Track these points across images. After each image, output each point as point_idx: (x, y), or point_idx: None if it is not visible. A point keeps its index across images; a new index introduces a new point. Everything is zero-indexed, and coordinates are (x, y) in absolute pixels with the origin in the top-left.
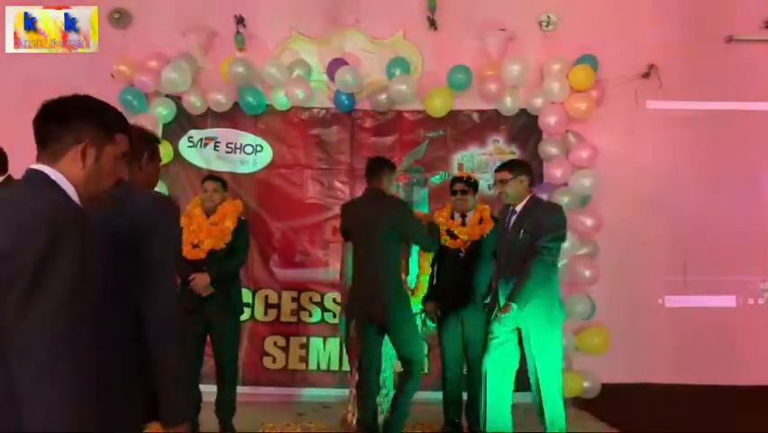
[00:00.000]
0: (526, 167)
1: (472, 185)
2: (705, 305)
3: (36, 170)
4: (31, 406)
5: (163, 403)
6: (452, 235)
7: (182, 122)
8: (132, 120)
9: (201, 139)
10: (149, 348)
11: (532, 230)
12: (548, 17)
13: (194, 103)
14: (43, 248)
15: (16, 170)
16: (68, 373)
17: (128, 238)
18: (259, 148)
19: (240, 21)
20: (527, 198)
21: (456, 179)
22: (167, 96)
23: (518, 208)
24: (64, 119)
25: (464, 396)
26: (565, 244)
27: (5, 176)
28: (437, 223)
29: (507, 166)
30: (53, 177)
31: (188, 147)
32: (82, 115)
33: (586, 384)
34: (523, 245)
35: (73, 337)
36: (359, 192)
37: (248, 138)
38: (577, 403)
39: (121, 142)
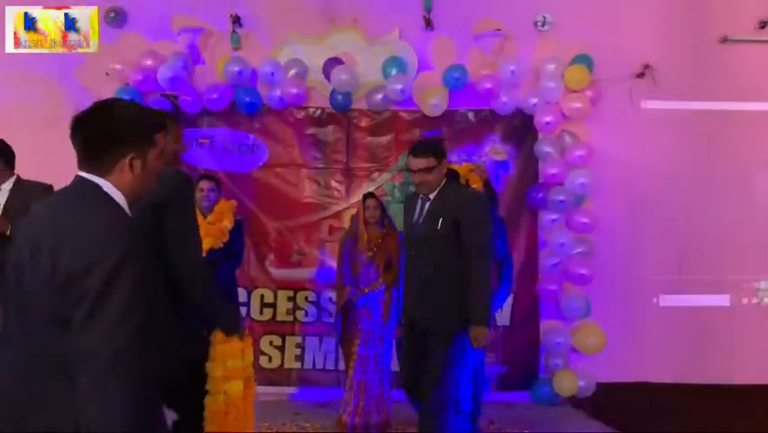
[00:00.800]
0: (445, 149)
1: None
2: (700, 304)
3: (87, 180)
4: (94, 409)
5: (220, 321)
6: None
7: (177, 121)
8: None
9: (197, 138)
10: (191, 294)
11: (455, 220)
12: (543, 17)
13: (189, 102)
14: (112, 266)
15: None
16: (130, 376)
17: (156, 209)
18: (254, 147)
19: (236, 20)
20: (442, 183)
21: None
22: (162, 95)
23: (432, 195)
24: (106, 140)
25: None
26: (562, 241)
27: (15, 177)
28: None
29: (429, 151)
30: (105, 188)
31: None
32: (124, 132)
33: (581, 383)
34: (442, 238)
35: (133, 342)
36: (355, 192)
37: (244, 137)
38: (572, 402)
39: (160, 140)
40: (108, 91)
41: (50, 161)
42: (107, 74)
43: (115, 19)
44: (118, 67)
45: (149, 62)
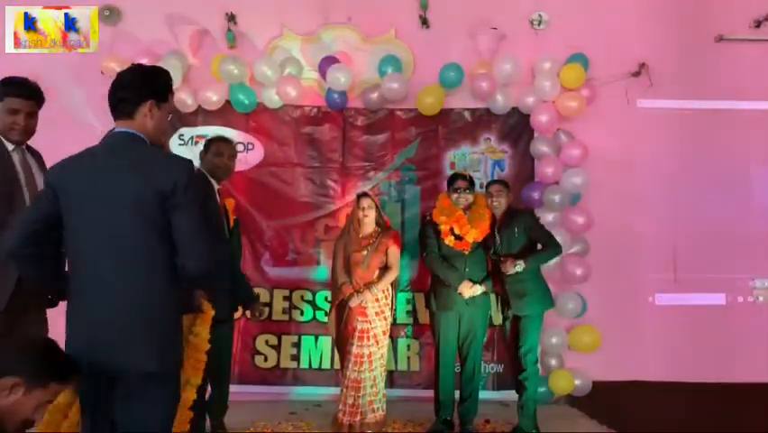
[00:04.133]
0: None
1: (472, 182)
2: (695, 303)
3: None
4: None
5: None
6: (458, 237)
7: (173, 120)
8: None
9: (192, 137)
10: None
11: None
12: (539, 16)
13: (184, 100)
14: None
15: None
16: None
17: None
18: (250, 146)
19: (231, 18)
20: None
21: (458, 176)
22: None
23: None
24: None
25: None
26: (558, 241)
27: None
28: (438, 223)
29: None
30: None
31: (179, 145)
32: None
33: (577, 382)
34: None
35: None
36: (350, 191)
37: (239, 136)
38: (568, 401)
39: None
40: (103, 89)
41: (50, 160)
42: (102, 72)
43: (110, 17)
44: (113, 65)
45: (144, 60)
